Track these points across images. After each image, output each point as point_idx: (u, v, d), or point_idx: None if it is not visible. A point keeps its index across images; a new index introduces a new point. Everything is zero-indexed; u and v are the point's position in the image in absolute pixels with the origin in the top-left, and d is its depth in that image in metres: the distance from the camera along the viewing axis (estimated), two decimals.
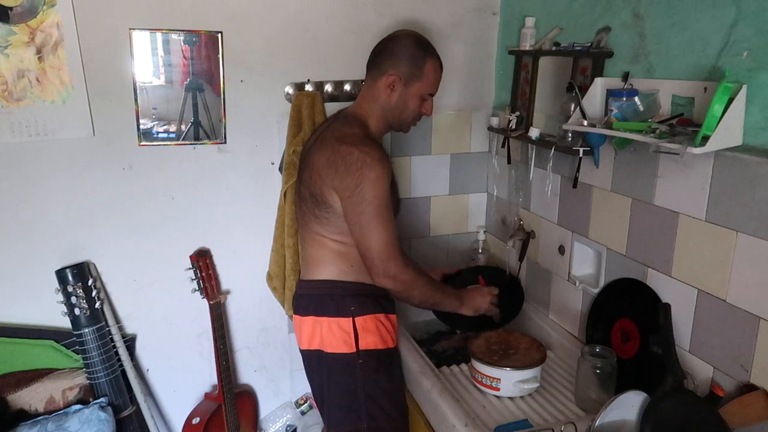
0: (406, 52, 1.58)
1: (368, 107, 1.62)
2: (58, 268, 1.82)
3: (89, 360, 1.82)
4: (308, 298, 1.63)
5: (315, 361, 1.63)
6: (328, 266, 1.60)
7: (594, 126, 1.53)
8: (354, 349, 1.56)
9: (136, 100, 1.86)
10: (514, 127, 1.98)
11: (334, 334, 1.57)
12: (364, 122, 1.61)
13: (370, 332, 1.58)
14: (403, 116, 1.63)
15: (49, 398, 1.79)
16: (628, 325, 1.60)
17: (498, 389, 1.58)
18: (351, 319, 1.57)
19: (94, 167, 1.87)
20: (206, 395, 2.13)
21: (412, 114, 1.64)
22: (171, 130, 1.92)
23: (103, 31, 1.79)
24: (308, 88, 2.02)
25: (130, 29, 1.80)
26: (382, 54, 1.61)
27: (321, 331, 1.58)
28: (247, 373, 2.24)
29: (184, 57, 1.88)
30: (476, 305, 1.74)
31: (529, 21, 1.94)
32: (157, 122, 1.90)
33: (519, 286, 2.06)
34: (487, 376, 1.59)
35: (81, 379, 1.84)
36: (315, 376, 1.65)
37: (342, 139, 1.53)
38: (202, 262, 1.98)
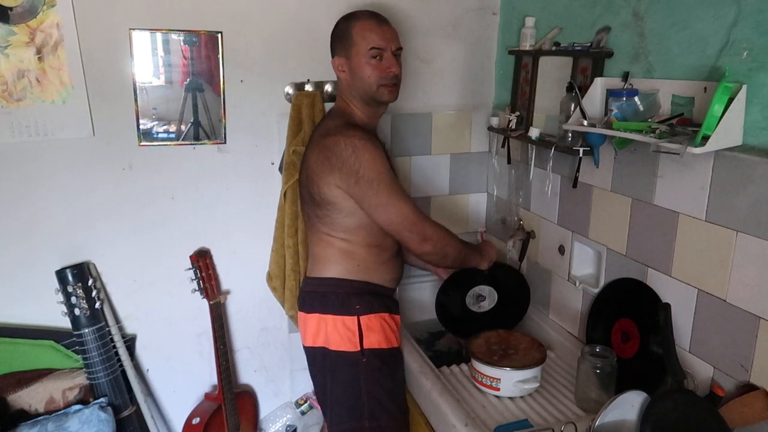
0: (335, 33, 1.65)
1: (344, 97, 1.66)
2: (58, 268, 1.82)
3: (89, 360, 1.82)
4: (313, 295, 1.64)
5: (319, 359, 1.63)
6: (334, 265, 1.61)
7: (594, 126, 1.53)
8: (358, 348, 1.57)
9: (136, 100, 1.86)
10: (514, 127, 1.98)
11: (338, 332, 1.57)
12: (347, 112, 1.64)
13: (374, 331, 1.58)
14: (367, 86, 1.59)
15: (49, 398, 1.79)
16: (628, 325, 1.60)
17: (498, 389, 1.58)
18: (356, 317, 1.57)
19: (94, 167, 1.87)
20: (206, 395, 2.13)
21: (373, 79, 1.58)
22: (171, 130, 1.92)
23: (103, 31, 1.79)
24: (308, 88, 2.02)
25: (130, 29, 1.80)
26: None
27: (326, 329, 1.59)
28: (247, 373, 2.23)
29: (184, 57, 1.88)
30: (491, 257, 1.82)
31: (529, 21, 1.94)
32: (157, 122, 1.90)
33: (525, 284, 2.05)
34: (487, 376, 1.59)
35: (81, 379, 1.84)
36: (318, 373, 1.65)
37: (325, 133, 1.56)
38: (202, 262, 1.98)
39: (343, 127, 1.55)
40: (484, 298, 1.99)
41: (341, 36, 1.62)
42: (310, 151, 1.60)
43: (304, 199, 1.65)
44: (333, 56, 1.65)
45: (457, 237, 1.69)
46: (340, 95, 1.68)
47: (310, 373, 1.71)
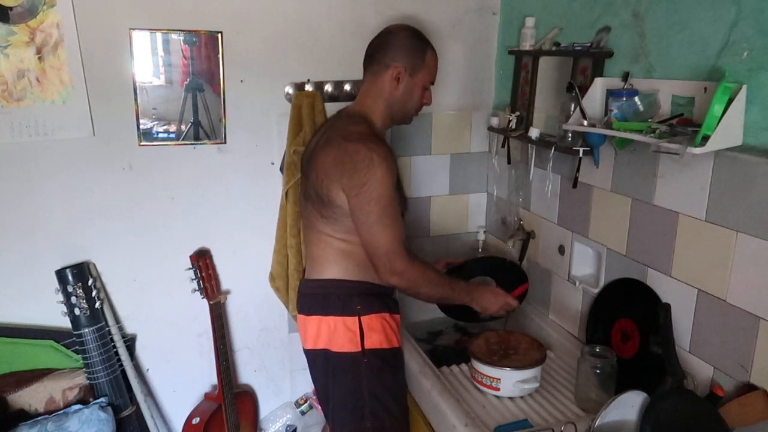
0: (407, 44, 1.61)
1: (371, 104, 1.63)
2: (58, 268, 1.82)
3: (89, 360, 1.82)
4: (314, 298, 1.63)
5: (321, 361, 1.62)
6: (334, 265, 1.60)
7: (594, 126, 1.53)
8: (359, 348, 1.56)
9: (136, 100, 1.86)
10: (514, 127, 1.98)
11: (340, 333, 1.57)
12: (369, 119, 1.62)
13: (375, 331, 1.58)
14: (408, 107, 1.65)
15: (49, 398, 1.79)
16: (628, 325, 1.60)
17: (498, 389, 1.58)
18: (357, 318, 1.56)
19: (94, 167, 1.87)
20: (206, 395, 2.13)
21: (416, 104, 1.67)
22: (171, 130, 1.92)
23: (103, 31, 1.79)
24: (308, 88, 2.02)
25: (130, 29, 1.80)
26: (382, 48, 1.62)
27: (327, 331, 1.58)
28: (247, 373, 2.24)
29: (184, 57, 1.88)
30: (485, 305, 1.68)
31: (529, 21, 1.94)
32: (157, 122, 1.90)
33: (521, 270, 2.02)
34: (487, 376, 1.59)
35: (81, 379, 1.84)
36: (320, 376, 1.65)
37: (348, 137, 1.52)
38: (202, 262, 1.98)
39: (368, 136, 1.53)
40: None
41: (415, 53, 1.61)
42: (325, 151, 1.55)
43: (308, 197, 1.62)
44: (391, 62, 1.59)
45: (441, 277, 1.63)
46: (363, 101, 1.64)
47: (311, 376, 1.70)
